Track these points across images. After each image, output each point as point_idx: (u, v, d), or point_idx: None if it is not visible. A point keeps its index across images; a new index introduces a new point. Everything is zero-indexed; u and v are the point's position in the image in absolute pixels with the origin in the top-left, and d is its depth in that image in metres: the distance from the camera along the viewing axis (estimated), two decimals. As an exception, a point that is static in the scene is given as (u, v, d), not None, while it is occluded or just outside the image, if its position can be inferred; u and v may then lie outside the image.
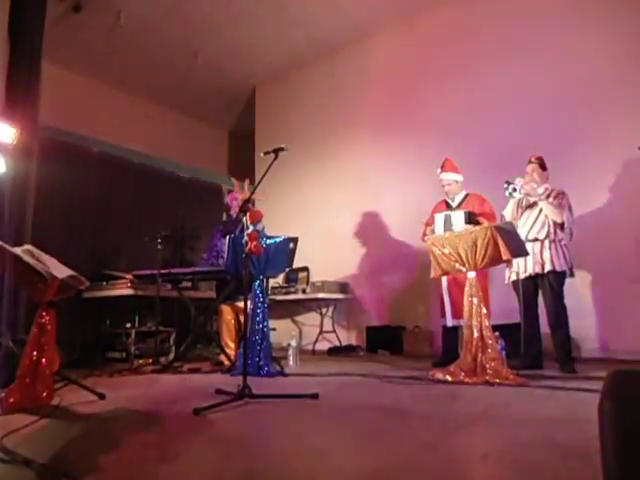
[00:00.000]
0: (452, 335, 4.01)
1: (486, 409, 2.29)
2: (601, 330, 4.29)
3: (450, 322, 3.98)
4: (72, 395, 2.58)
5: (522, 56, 5.03)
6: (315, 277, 6.07)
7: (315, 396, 2.44)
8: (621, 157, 4.33)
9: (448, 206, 4.16)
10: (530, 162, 3.77)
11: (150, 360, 4.48)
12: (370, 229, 5.95)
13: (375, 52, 6.34)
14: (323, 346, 5.76)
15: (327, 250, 6.11)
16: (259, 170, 6.58)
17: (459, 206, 4.07)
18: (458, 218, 3.79)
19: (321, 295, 5.70)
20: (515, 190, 3.53)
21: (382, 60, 6.25)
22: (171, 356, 4.75)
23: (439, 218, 3.90)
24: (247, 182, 4.50)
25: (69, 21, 5.79)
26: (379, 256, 5.80)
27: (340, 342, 5.82)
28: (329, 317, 5.98)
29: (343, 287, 5.93)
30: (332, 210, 6.34)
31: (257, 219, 2.89)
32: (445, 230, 3.78)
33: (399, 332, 5.32)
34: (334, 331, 5.87)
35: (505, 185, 3.57)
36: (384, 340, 5.33)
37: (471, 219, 3.78)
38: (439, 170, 4.20)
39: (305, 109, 7.01)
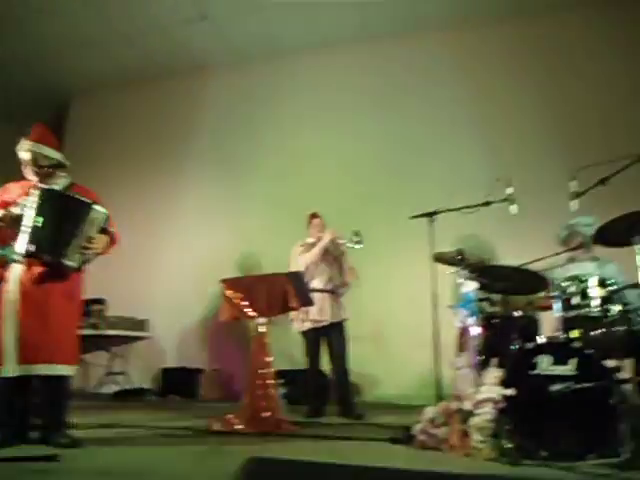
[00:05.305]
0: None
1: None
2: (376, 375, 4.66)
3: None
4: None
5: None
6: (112, 311, 5.45)
7: (54, 458, 2.06)
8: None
9: None
10: (317, 217, 3.90)
11: None
12: (180, 265, 5.65)
13: (212, 87, 6.08)
14: (111, 389, 5.17)
15: (128, 282, 5.56)
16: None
17: None
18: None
19: (114, 332, 5.14)
20: (359, 243, 3.57)
21: (219, 97, 6.01)
22: None
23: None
24: None
25: None
26: (185, 293, 5.48)
27: (131, 385, 5.28)
28: (121, 356, 5.41)
29: (142, 324, 5.45)
30: (137, 241, 5.78)
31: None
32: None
33: (195, 375, 5.05)
34: (122, 373, 5.32)
35: (355, 237, 3.57)
36: (179, 383, 5.01)
37: None
38: None
39: (129, 131, 6.44)
